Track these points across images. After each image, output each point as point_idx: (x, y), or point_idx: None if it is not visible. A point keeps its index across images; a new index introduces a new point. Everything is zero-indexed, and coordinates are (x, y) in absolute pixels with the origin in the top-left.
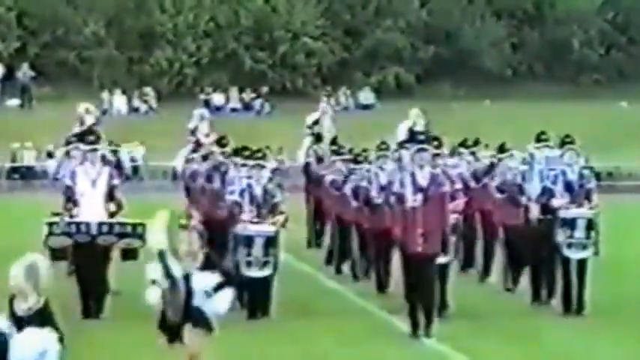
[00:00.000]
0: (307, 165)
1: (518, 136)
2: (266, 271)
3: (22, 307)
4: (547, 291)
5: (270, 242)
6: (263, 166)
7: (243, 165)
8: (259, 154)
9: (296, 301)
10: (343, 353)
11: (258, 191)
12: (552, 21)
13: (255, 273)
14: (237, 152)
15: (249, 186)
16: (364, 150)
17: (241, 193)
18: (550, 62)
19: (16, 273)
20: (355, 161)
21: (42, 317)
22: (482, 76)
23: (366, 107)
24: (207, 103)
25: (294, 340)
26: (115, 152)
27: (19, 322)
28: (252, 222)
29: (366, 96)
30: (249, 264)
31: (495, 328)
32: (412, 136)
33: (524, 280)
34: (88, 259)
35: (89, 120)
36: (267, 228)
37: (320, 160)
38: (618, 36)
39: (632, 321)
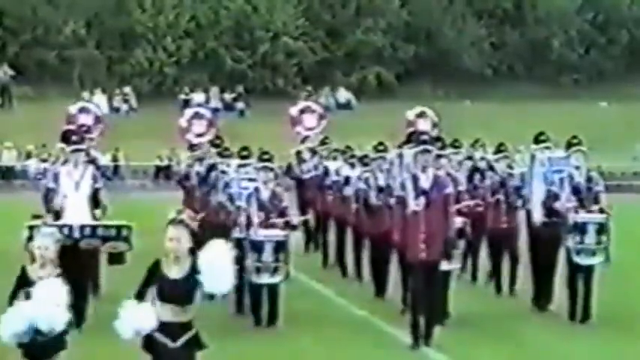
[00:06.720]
0: (289, 167)
1: (497, 136)
2: (277, 278)
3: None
4: (547, 296)
5: (280, 247)
6: (271, 169)
7: (243, 166)
8: (266, 156)
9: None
10: (325, 355)
11: (265, 195)
12: (532, 21)
13: (265, 280)
14: (237, 153)
15: (257, 190)
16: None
17: (248, 198)
18: (530, 62)
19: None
20: (362, 163)
21: None
22: (462, 75)
23: (346, 107)
24: (186, 103)
25: (277, 342)
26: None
27: None
28: (261, 226)
29: (346, 96)
30: (258, 270)
31: (484, 332)
32: (414, 137)
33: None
34: (71, 264)
35: (83, 120)
36: (277, 233)
37: (302, 161)
38: (598, 36)
39: (621, 325)
